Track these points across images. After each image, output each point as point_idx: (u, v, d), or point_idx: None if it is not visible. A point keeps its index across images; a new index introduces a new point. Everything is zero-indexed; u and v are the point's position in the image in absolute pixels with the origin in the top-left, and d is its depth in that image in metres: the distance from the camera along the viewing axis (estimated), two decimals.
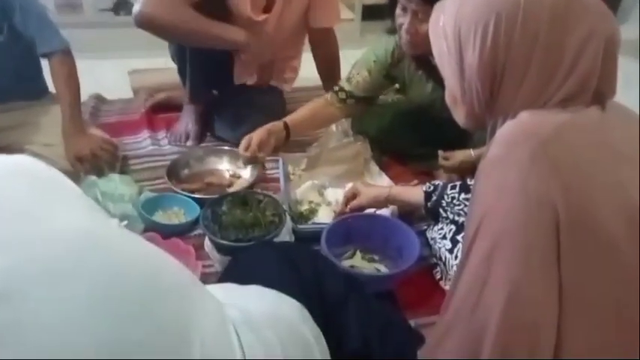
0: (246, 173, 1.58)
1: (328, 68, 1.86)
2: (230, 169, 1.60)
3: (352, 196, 1.36)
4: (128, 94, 2.08)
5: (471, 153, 1.43)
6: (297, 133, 1.60)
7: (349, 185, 1.42)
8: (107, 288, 0.56)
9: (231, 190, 1.48)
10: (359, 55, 1.58)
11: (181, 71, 1.72)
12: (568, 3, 0.67)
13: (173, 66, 1.94)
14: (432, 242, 1.26)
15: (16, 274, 0.53)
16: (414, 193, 1.29)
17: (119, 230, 0.65)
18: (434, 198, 1.23)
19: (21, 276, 0.53)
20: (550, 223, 0.62)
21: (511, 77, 0.69)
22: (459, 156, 1.44)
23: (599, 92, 0.69)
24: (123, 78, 2.16)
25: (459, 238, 1.17)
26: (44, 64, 1.59)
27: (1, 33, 1.46)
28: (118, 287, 0.57)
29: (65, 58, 1.53)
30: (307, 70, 1.95)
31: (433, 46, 0.78)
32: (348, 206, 1.36)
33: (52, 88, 1.64)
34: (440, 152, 1.49)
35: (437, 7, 0.79)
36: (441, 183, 1.25)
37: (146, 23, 1.46)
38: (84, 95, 1.71)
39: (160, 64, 2.28)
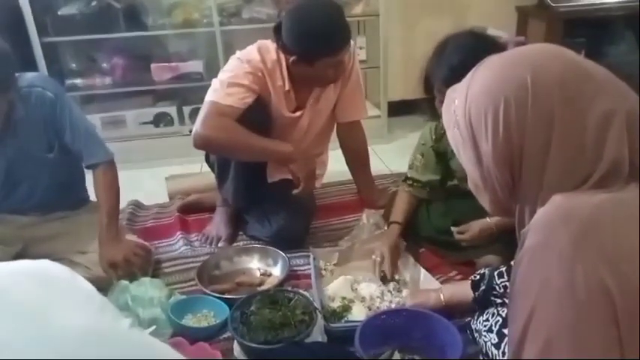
0: (277, 270, 1.55)
1: (357, 161, 1.89)
2: (261, 268, 1.58)
3: None
4: (165, 199, 2.15)
5: (487, 220, 1.43)
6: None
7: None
8: None
9: (261, 288, 1.44)
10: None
11: (219, 175, 1.76)
12: (578, 83, 0.65)
13: (207, 170, 2.02)
14: (476, 335, 1.16)
15: None
16: (464, 289, 1.24)
17: (127, 332, 0.64)
18: (482, 287, 1.18)
19: None
20: (606, 312, 0.56)
21: (531, 162, 0.66)
22: (477, 226, 1.45)
23: (634, 167, 0.65)
24: (160, 184, 2.25)
25: (505, 331, 1.07)
26: (88, 175, 1.66)
27: (52, 151, 1.55)
28: None
29: (108, 168, 1.59)
30: (336, 166, 1.98)
31: (447, 133, 0.77)
32: None
33: (92, 196, 1.72)
34: (452, 228, 1.50)
35: (448, 93, 0.78)
36: (487, 271, 1.19)
37: (204, 145, 1.57)
38: (123, 202, 1.76)
39: (195, 169, 2.39)
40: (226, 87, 1.55)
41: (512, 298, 0.67)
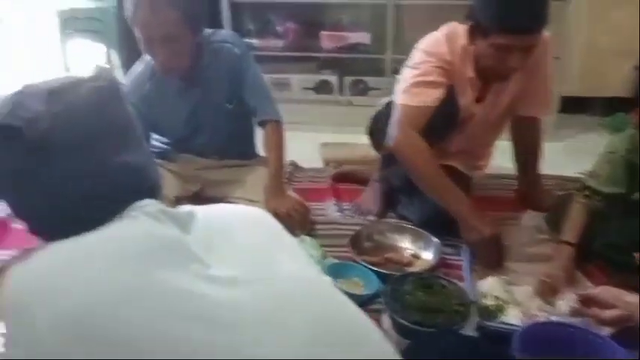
0: (427, 255, 1.54)
1: (527, 158, 1.78)
2: (411, 249, 1.58)
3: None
4: (319, 164, 2.24)
5: None
6: None
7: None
8: (322, 334, 0.59)
9: (410, 269, 1.45)
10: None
11: (388, 157, 1.74)
12: None
13: (361, 141, 2.05)
14: None
15: (248, 306, 0.58)
16: None
17: (332, 287, 0.68)
18: None
19: (251, 308, 0.57)
20: None
21: None
22: None
23: None
24: (315, 149, 2.35)
25: None
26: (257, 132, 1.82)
27: (231, 103, 1.72)
28: (330, 335, 0.59)
29: (277, 127, 1.72)
30: (499, 157, 1.89)
31: None
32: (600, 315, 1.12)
33: (259, 151, 1.87)
34: (636, 255, 1.30)
35: None
36: None
37: (395, 153, 1.57)
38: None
39: (348, 139, 2.44)
40: (415, 87, 1.53)
41: None
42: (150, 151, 0.72)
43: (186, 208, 0.69)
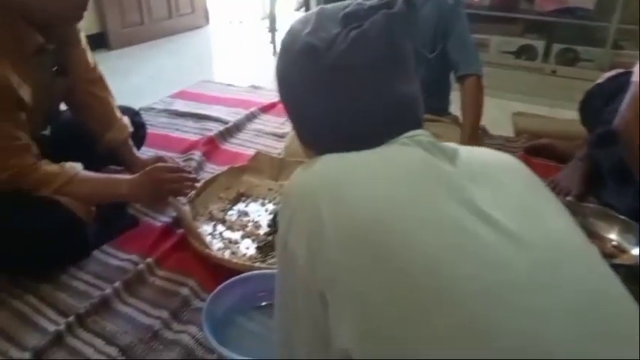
0: (636, 251, 1.36)
1: None
2: (616, 240, 1.41)
3: None
4: (509, 132, 2.11)
5: None
6: None
7: None
8: (584, 300, 0.53)
9: (613, 262, 1.30)
10: None
11: (590, 125, 1.59)
12: None
13: (560, 115, 1.86)
14: None
15: (518, 255, 0.55)
16: None
17: (600, 256, 0.62)
18: None
19: (523, 258, 0.55)
20: None
21: None
22: None
23: None
24: (505, 117, 2.21)
25: None
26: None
27: (434, 52, 1.69)
28: (593, 304, 0.53)
29: (478, 83, 1.67)
30: None
31: None
32: None
33: (451, 109, 1.82)
34: None
35: None
36: None
37: (622, 135, 1.39)
38: None
39: (545, 112, 2.25)
40: None
41: None
42: (420, 84, 0.72)
43: (451, 144, 0.68)
